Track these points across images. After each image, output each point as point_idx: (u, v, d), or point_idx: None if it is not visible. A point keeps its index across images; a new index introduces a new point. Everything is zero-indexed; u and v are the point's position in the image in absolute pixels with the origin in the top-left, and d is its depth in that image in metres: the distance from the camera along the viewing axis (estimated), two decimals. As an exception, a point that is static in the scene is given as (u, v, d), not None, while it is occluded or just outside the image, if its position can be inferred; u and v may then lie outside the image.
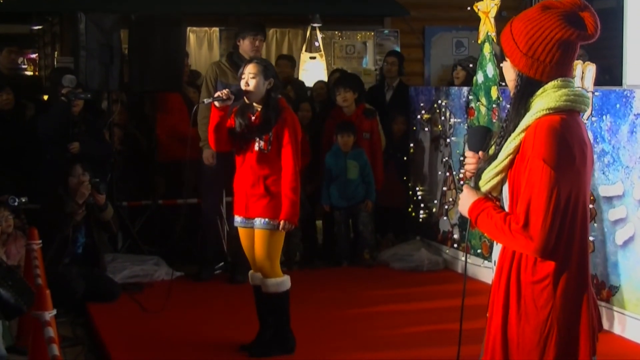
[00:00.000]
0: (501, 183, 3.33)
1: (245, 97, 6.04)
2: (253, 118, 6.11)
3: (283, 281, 6.22)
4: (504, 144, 3.28)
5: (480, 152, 3.47)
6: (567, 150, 3.13)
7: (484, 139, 3.49)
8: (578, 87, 3.32)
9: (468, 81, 9.57)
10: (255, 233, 6.15)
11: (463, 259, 8.79)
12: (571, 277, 3.22)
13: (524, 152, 3.19)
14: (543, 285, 3.22)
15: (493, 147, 3.37)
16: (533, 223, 3.13)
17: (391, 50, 11.68)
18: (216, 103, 5.93)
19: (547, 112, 3.19)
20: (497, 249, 3.49)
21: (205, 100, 6.01)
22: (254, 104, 6.09)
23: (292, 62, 11.06)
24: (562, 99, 3.20)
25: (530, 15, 3.29)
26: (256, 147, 6.07)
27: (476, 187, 3.40)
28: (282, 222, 6.06)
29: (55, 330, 4.74)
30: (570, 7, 3.25)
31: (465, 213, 3.40)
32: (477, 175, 3.40)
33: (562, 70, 3.25)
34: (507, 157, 3.25)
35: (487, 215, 3.28)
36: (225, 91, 5.95)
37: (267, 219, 6.08)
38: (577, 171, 3.17)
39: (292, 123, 6.15)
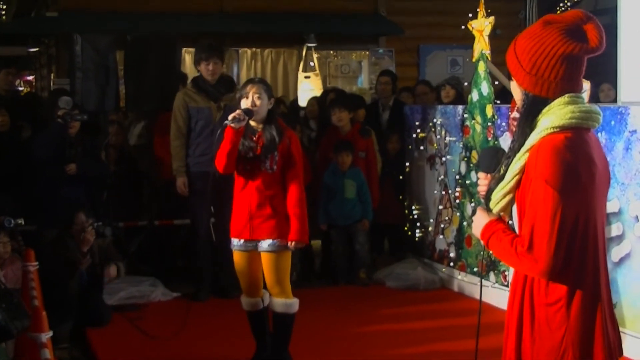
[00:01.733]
0: (510, 204, 3.27)
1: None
2: (255, 138, 6.10)
3: (292, 303, 6.19)
4: (511, 163, 3.23)
5: (490, 174, 3.42)
6: (570, 170, 3.06)
7: (494, 159, 3.42)
8: (589, 103, 3.26)
9: (457, 100, 9.60)
10: (262, 257, 6.11)
11: (459, 277, 8.78)
12: (585, 299, 3.15)
13: (529, 173, 3.13)
14: (557, 307, 3.15)
15: (502, 167, 3.31)
16: (537, 246, 3.07)
17: (384, 69, 11.68)
18: (234, 125, 5.89)
19: (552, 130, 3.12)
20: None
21: (226, 121, 5.94)
22: (254, 124, 6.08)
23: None
24: (568, 117, 3.12)
25: (532, 32, 3.22)
26: (262, 168, 6.05)
27: (488, 209, 3.34)
28: (292, 243, 6.05)
29: (51, 352, 4.73)
30: (573, 20, 3.18)
31: (478, 235, 3.35)
32: (487, 196, 3.34)
33: (568, 86, 3.18)
34: (513, 178, 3.20)
35: (497, 238, 3.23)
36: (239, 111, 5.93)
37: (274, 240, 6.04)
38: (584, 191, 3.09)
39: (296, 142, 6.20)
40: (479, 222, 3.34)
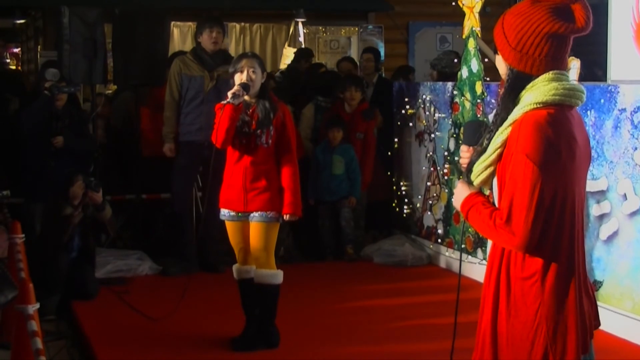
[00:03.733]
0: (491, 177, 3.30)
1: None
2: (249, 112, 6.10)
3: (277, 274, 6.22)
4: (493, 137, 3.26)
5: (472, 147, 3.45)
6: (551, 146, 3.10)
7: (477, 133, 3.45)
8: (573, 81, 3.28)
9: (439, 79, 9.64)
10: (251, 226, 6.15)
11: (446, 254, 8.81)
12: (560, 273, 3.20)
13: (510, 147, 3.17)
14: (532, 281, 3.20)
15: (485, 140, 3.34)
16: (515, 219, 3.12)
17: (367, 46, 11.66)
18: (234, 101, 5.90)
19: (535, 106, 3.15)
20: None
21: (227, 100, 5.93)
22: (247, 98, 6.07)
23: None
24: (551, 93, 3.16)
25: (520, 8, 3.26)
26: (258, 142, 6.07)
27: (469, 182, 3.38)
28: (286, 216, 6.12)
29: (38, 324, 4.72)
30: None
31: (458, 208, 3.40)
32: (469, 169, 3.38)
33: (553, 64, 3.22)
34: (495, 151, 3.23)
35: (476, 210, 3.28)
36: (237, 87, 5.96)
37: (266, 212, 6.09)
38: (564, 167, 3.13)
39: (289, 116, 6.26)
40: (459, 194, 3.40)
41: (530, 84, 3.22)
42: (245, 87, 5.98)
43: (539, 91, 3.18)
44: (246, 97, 6.04)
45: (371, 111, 9.60)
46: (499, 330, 3.30)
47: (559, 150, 3.12)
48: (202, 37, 8.49)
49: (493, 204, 3.32)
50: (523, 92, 3.24)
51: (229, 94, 5.94)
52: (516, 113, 3.20)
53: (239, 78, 6.03)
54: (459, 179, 8.27)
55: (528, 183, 3.09)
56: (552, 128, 3.12)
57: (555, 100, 3.17)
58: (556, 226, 3.17)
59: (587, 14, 3.19)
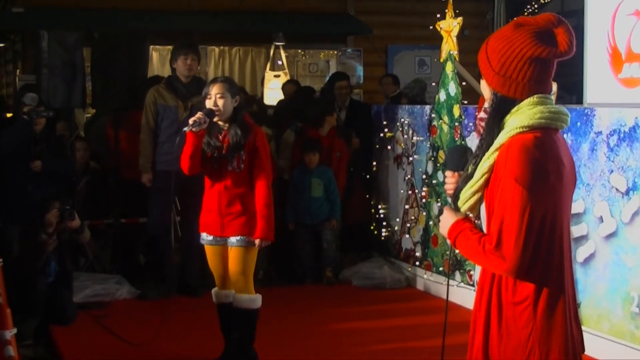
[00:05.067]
0: (479, 203, 3.28)
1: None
2: (221, 137, 6.09)
3: (256, 298, 6.22)
4: (479, 162, 3.25)
5: (457, 172, 3.43)
6: (539, 169, 3.08)
7: (461, 158, 3.43)
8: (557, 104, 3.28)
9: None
10: (229, 250, 6.15)
11: (424, 276, 8.81)
12: (551, 297, 3.18)
13: (498, 171, 3.15)
14: (524, 306, 3.18)
15: (470, 166, 3.32)
16: (505, 243, 3.09)
17: (337, 72, 11.60)
18: (194, 129, 5.88)
19: (521, 130, 3.14)
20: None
21: (185, 128, 5.92)
22: (220, 123, 6.07)
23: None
24: (537, 117, 3.15)
25: (503, 33, 3.25)
26: (229, 167, 6.06)
27: (456, 208, 3.35)
28: (258, 241, 6.09)
29: (15, 349, 4.70)
30: (544, 23, 3.20)
31: (444, 234, 3.36)
32: (455, 195, 3.36)
33: (537, 88, 3.20)
34: (482, 177, 3.21)
35: (464, 236, 3.24)
36: (199, 114, 5.92)
37: (243, 237, 6.09)
38: (552, 190, 3.12)
39: (262, 139, 6.20)
40: (446, 221, 3.35)
41: (515, 108, 3.20)
42: (209, 113, 5.95)
43: (524, 115, 3.17)
44: (220, 122, 6.05)
45: (344, 130, 9.70)
46: (491, 354, 3.27)
47: (547, 173, 3.10)
48: (176, 64, 8.49)
49: (481, 229, 3.30)
50: (508, 117, 3.21)
51: (190, 121, 5.91)
52: (502, 137, 3.17)
53: (209, 104, 6.03)
54: (437, 202, 8.36)
55: (517, 207, 3.07)
56: (539, 151, 3.10)
57: (541, 123, 3.15)
58: (546, 250, 3.15)
59: (570, 38, 3.18)
